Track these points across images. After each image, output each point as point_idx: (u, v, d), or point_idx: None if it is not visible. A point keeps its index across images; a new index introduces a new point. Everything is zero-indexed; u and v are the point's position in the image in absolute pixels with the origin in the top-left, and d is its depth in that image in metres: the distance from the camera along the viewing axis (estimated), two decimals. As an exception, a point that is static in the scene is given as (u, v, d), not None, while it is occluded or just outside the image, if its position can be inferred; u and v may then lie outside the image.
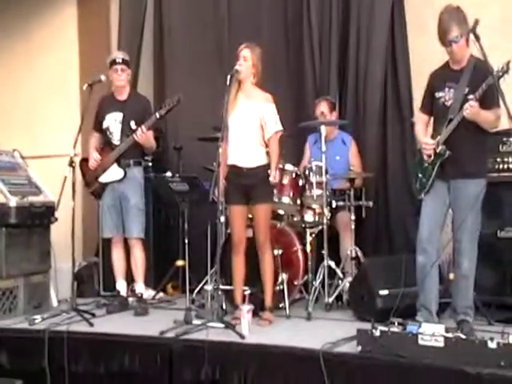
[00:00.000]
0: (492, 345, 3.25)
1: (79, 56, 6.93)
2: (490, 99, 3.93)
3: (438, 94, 4.16)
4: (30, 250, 5.20)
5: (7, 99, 7.26)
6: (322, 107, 5.41)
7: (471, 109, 3.89)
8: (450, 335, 3.39)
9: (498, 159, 4.66)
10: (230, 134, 4.60)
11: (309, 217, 5.04)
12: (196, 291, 5.34)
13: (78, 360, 4.26)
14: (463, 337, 3.43)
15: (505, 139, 4.61)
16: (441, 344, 3.37)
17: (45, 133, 6.93)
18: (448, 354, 3.34)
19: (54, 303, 5.37)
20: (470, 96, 3.92)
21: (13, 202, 5.09)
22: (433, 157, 4.10)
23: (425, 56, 5.19)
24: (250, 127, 4.56)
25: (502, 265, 4.47)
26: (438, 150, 4.08)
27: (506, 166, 4.63)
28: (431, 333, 3.42)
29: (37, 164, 5.84)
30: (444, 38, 3.99)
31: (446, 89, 4.11)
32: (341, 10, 5.70)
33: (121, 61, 5.15)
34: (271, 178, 4.51)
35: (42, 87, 7.10)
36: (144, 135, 4.97)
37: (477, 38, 3.75)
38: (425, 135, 4.24)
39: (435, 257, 4.14)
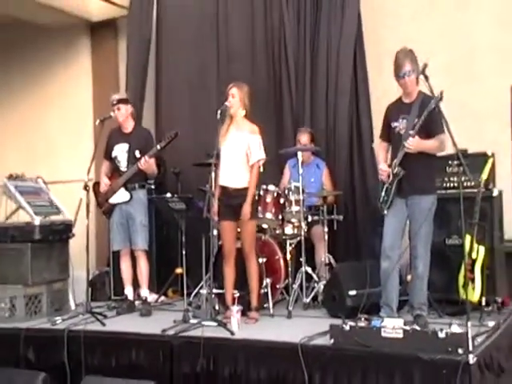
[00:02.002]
0: (441, 334, 3.29)
1: (92, 97, 6.97)
2: (434, 126, 3.99)
3: (394, 124, 4.22)
4: (52, 262, 5.20)
5: (33, 134, 7.30)
6: (305, 137, 5.40)
7: (411, 145, 3.97)
8: (407, 328, 3.42)
9: (446, 179, 4.73)
10: (221, 160, 4.61)
11: (288, 230, 5.04)
12: (193, 295, 5.30)
13: (92, 355, 4.24)
14: (418, 329, 3.46)
15: (450, 162, 4.65)
16: (400, 335, 3.40)
17: (64, 161, 6.95)
18: (406, 343, 3.37)
19: (72, 306, 5.34)
20: (410, 132, 3.98)
21: (37, 221, 5.11)
22: (391, 177, 4.14)
23: (382, 92, 5.25)
24: (239, 154, 4.57)
25: (450, 267, 4.47)
26: (394, 171, 4.13)
27: (451, 185, 4.69)
28: (392, 326, 3.45)
29: (57, 188, 5.84)
30: (398, 72, 4.07)
31: (400, 119, 4.17)
32: (313, 55, 5.73)
33: (115, 102, 5.13)
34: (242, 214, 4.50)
35: (61, 124, 7.15)
36: (147, 163, 4.97)
37: (426, 78, 3.83)
38: (384, 161, 4.28)
39: (396, 261, 4.15)
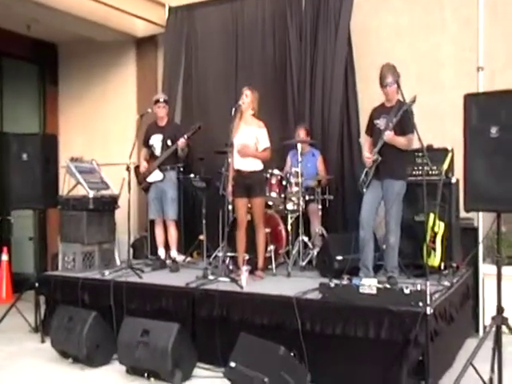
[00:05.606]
0: (407, 291, 3.32)
1: (136, 97, 6.99)
2: (405, 126, 4.00)
3: (376, 122, 4.22)
4: (102, 227, 5.25)
5: (92, 125, 7.34)
6: (301, 132, 5.36)
7: (388, 136, 3.99)
8: (380, 286, 3.45)
9: (415, 168, 4.68)
10: (235, 149, 4.58)
11: (289, 206, 5.02)
12: (212, 256, 5.32)
13: (132, 300, 4.31)
14: (388, 286, 3.49)
15: (417, 154, 4.63)
16: (374, 292, 3.43)
17: (114, 147, 6.96)
18: (379, 298, 3.40)
19: (117, 262, 5.39)
20: (390, 124, 3.99)
21: (91, 194, 5.16)
22: (371, 163, 4.15)
23: (368, 96, 5.18)
24: (248, 144, 4.56)
25: (417, 239, 4.45)
26: (373, 158, 4.13)
27: (419, 172, 4.65)
28: (368, 284, 3.47)
29: (106, 168, 5.85)
30: (382, 82, 4.09)
31: (381, 118, 4.17)
32: (312, 64, 5.64)
33: (162, 100, 5.18)
34: None
35: (113, 117, 7.17)
36: (184, 143, 4.99)
37: (399, 86, 3.83)
38: (368, 151, 4.27)
39: (371, 231, 4.19)
